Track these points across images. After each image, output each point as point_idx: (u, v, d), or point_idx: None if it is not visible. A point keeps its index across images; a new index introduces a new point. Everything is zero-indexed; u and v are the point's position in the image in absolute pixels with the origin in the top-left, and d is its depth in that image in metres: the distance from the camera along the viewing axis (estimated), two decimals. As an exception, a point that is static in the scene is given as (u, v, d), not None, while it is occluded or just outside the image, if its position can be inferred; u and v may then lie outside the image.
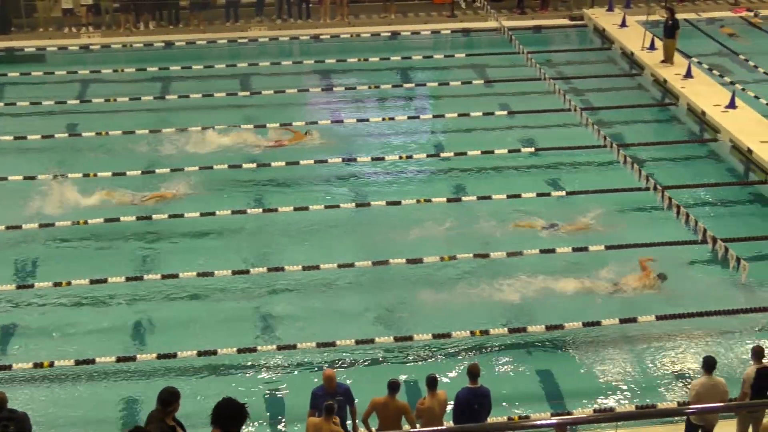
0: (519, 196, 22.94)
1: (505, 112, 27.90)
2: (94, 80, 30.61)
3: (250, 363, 17.70)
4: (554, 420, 14.36)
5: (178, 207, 22.41)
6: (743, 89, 28.48)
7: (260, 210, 22.46)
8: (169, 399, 11.63)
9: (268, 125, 26.54)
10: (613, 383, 17.25)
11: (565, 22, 35.38)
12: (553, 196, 23.16)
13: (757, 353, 14.65)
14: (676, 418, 15.38)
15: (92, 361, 17.48)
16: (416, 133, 26.87)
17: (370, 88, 29.60)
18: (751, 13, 35.42)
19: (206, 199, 22.86)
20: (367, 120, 27.30)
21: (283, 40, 33.70)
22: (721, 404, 14.26)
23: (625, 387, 17.16)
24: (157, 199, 22.89)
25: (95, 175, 23.89)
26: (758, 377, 14.42)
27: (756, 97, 28.08)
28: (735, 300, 19.26)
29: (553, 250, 20.74)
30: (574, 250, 20.81)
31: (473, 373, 14.52)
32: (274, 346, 17.96)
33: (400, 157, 25.06)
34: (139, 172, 24.03)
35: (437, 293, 19.69)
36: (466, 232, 21.87)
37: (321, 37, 33.94)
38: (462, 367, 16.46)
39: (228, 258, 20.76)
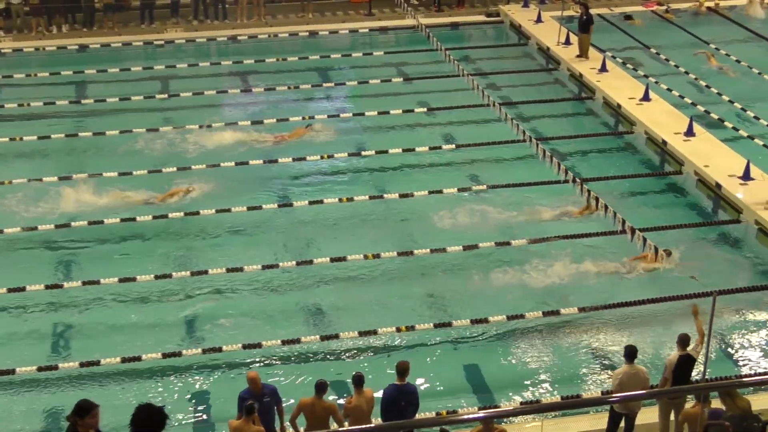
0: (441, 192, 23.11)
1: (425, 109, 28.05)
2: (7, 85, 29.97)
3: (175, 367, 17.52)
4: (481, 414, 14.54)
5: (98, 214, 22.08)
6: (656, 82, 29.04)
7: (182, 213, 22.22)
8: (86, 407, 11.07)
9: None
10: (539, 375, 17.45)
11: (482, 18, 35.69)
12: (474, 191, 23.35)
13: (683, 341, 14.94)
14: (601, 407, 15.63)
15: (12, 371, 17.14)
16: (337, 132, 26.81)
17: (289, 88, 29.49)
18: (663, 8, 36.11)
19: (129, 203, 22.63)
20: (287, 120, 27.17)
21: (200, 41, 33.40)
22: (644, 392, 14.53)
23: (550, 378, 17.37)
24: (175, 195, 22.93)
25: (10, 182, 23.47)
26: (680, 363, 14.73)
27: (668, 89, 28.66)
28: (654, 289, 19.65)
29: (476, 246, 20.90)
30: (497, 245, 21.00)
31: (401, 370, 14.57)
32: (200, 350, 17.80)
33: (322, 157, 25.00)
34: (56, 178, 23.63)
35: (362, 291, 19.75)
36: (389, 229, 21.96)
37: (238, 37, 33.71)
38: (389, 364, 16.52)
39: (150, 262, 20.54)
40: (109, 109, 28.08)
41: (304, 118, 27.14)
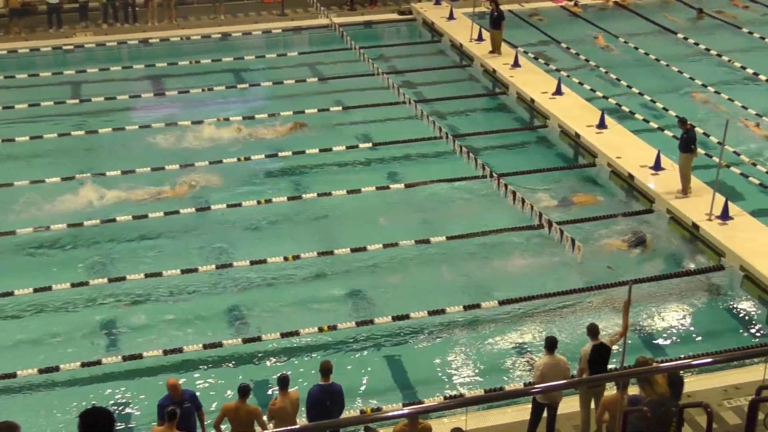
0: (359, 191, 23.13)
1: (340, 108, 28.01)
2: None
3: (95, 376, 17.25)
4: (406, 410, 14.57)
5: (8, 224, 21.65)
6: (568, 76, 29.45)
7: (98, 221, 21.88)
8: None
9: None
10: (461, 370, 17.59)
11: (395, 16, 35.81)
12: (392, 189, 23.40)
13: (592, 330, 15.17)
14: (523, 398, 15.80)
15: (-74, 388, 16.73)
16: (253, 133, 26.62)
17: (203, 90, 29.21)
18: (571, 2, 36.62)
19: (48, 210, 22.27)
20: (202, 122, 26.94)
21: (111, 45, 32.81)
22: (564, 381, 14.73)
23: (472, 372, 17.52)
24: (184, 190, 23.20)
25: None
26: (594, 352, 14.96)
27: (580, 83, 29.09)
28: (571, 279, 19.96)
29: (396, 244, 20.97)
30: (417, 242, 21.10)
31: (325, 369, 14.56)
32: (120, 357, 17.57)
33: (239, 159, 24.82)
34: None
35: (283, 293, 19.70)
36: (308, 230, 21.92)
37: (150, 40, 33.25)
38: (312, 365, 16.47)
39: (66, 271, 20.19)
40: (18, 115, 27.47)
41: (220, 120, 26.90)
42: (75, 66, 31.02)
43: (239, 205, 22.54)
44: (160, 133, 26.17)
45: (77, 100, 28.57)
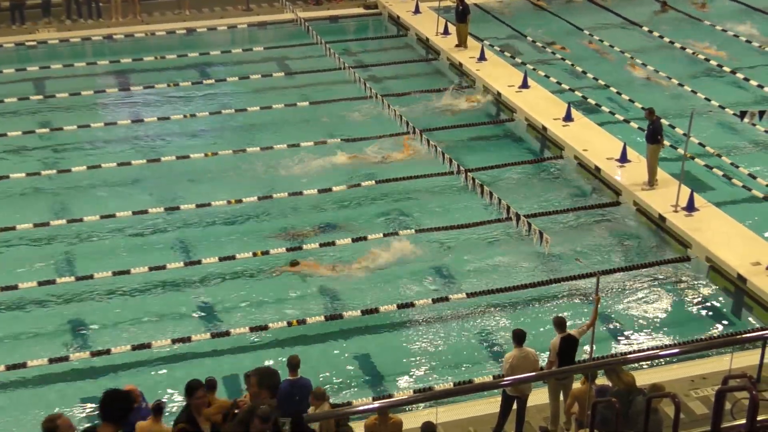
0: (330, 190, 23.07)
1: (307, 103, 27.92)
2: None
3: (64, 372, 17.16)
4: (376, 404, 14.59)
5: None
6: (534, 69, 29.54)
7: (64, 221, 21.72)
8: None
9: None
10: (431, 362, 17.62)
11: (360, 11, 35.76)
12: (363, 186, 23.36)
13: (559, 323, 15.22)
14: (493, 390, 15.84)
15: None
16: (220, 129, 26.54)
17: (169, 86, 29.04)
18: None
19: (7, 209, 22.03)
20: (168, 118, 26.78)
21: (75, 41, 32.49)
22: (534, 374, 14.79)
23: (442, 365, 17.55)
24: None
25: None
26: (563, 345, 15.02)
27: (546, 76, 29.18)
28: (540, 272, 20.04)
29: (365, 237, 20.97)
30: (385, 235, 21.12)
31: (292, 364, 14.51)
32: (88, 353, 17.46)
33: (206, 155, 24.66)
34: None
35: (251, 287, 19.66)
36: (278, 227, 21.86)
37: (114, 36, 32.95)
38: (281, 359, 16.44)
39: (33, 269, 20.08)
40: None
41: (186, 117, 26.74)
42: (38, 62, 30.67)
43: (209, 205, 22.28)
44: (124, 129, 25.95)
45: (41, 97, 28.32)
